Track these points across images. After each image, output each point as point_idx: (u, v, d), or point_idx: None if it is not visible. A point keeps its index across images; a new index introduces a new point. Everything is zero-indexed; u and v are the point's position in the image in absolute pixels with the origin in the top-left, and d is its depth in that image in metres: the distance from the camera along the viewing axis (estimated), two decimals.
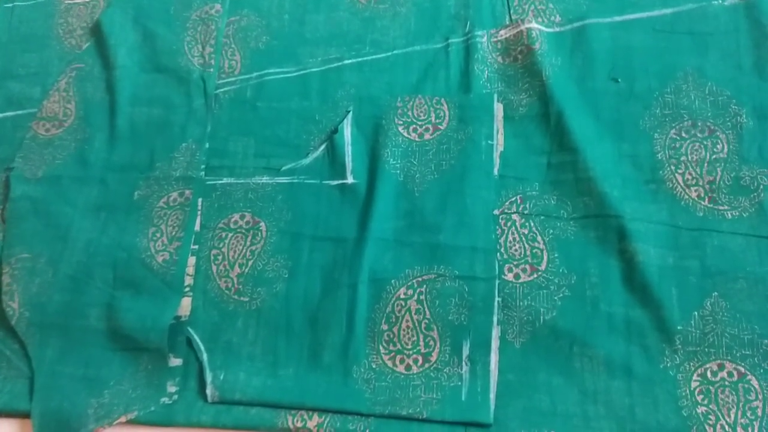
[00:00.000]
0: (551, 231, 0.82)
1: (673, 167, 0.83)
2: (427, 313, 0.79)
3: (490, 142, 0.87)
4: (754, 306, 0.75)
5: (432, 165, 0.87)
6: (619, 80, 0.88)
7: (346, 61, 0.96)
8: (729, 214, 0.80)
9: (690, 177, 0.82)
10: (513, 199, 0.84)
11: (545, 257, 0.81)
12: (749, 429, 0.70)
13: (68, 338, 0.82)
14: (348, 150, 0.89)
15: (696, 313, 0.76)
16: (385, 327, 0.79)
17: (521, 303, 0.79)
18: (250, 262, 0.85)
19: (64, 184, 0.91)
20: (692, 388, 0.73)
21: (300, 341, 0.80)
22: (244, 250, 0.86)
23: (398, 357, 0.78)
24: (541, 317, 0.78)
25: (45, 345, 0.82)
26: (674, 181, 0.82)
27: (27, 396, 0.80)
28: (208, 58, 0.97)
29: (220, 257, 0.86)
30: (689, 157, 0.83)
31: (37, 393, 0.80)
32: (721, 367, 0.73)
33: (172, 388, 0.79)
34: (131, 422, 0.78)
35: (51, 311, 0.84)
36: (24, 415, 0.80)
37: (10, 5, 1.06)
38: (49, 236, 0.88)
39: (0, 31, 1.04)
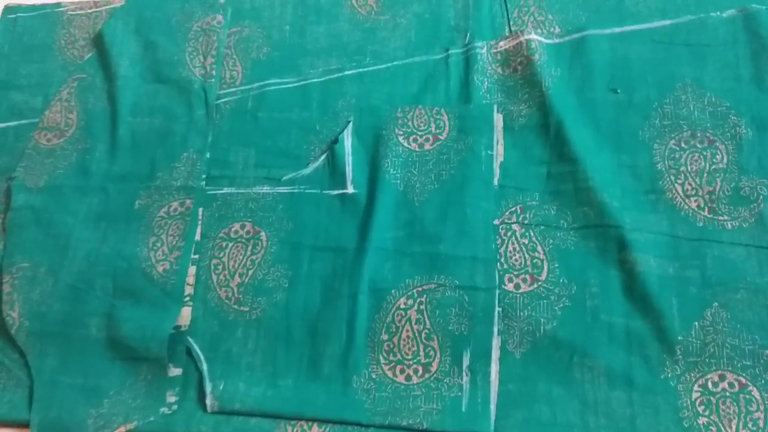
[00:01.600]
0: (551, 241, 0.82)
1: (672, 177, 0.83)
2: (428, 323, 0.79)
3: (489, 152, 0.87)
4: (755, 316, 0.75)
5: (432, 175, 0.87)
6: (619, 91, 0.89)
7: (347, 72, 0.96)
8: (729, 225, 0.80)
9: (690, 187, 0.82)
10: (513, 209, 0.85)
11: (545, 267, 0.81)
12: None
13: (68, 348, 0.82)
14: (348, 160, 0.89)
15: (696, 323, 0.76)
16: (385, 337, 0.79)
17: (521, 313, 0.79)
18: (250, 272, 0.85)
19: (66, 194, 0.91)
20: (693, 399, 0.73)
21: (300, 351, 0.80)
22: (244, 260, 0.86)
23: (398, 367, 0.78)
24: (542, 327, 0.78)
25: (45, 354, 0.82)
26: (674, 192, 0.82)
27: (26, 405, 0.80)
28: (209, 68, 0.98)
29: (220, 267, 0.86)
30: (689, 168, 0.83)
31: (37, 403, 0.80)
32: (722, 377, 0.73)
33: (171, 398, 0.79)
34: None
35: (51, 320, 0.84)
36: (23, 424, 0.79)
37: (13, 16, 1.07)
38: (49, 246, 0.88)
39: (3, 41, 1.05)
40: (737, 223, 0.80)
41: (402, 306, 0.80)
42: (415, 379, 0.77)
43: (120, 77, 0.97)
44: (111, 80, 0.98)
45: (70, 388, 0.80)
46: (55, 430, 0.78)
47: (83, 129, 0.96)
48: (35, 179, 0.93)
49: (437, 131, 0.90)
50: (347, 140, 0.90)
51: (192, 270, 0.85)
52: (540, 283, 0.80)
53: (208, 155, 0.92)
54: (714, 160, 0.83)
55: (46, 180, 0.93)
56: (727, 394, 0.72)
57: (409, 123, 0.90)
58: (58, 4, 1.07)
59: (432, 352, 0.78)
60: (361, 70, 0.96)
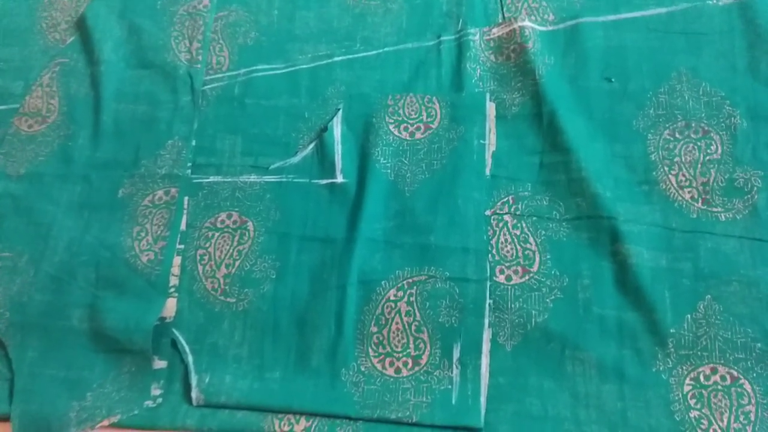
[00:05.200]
0: (543, 232, 0.81)
1: (666, 168, 0.82)
2: (418, 315, 0.78)
3: (482, 141, 0.86)
4: (747, 309, 0.75)
5: (423, 164, 0.86)
6: (613, 80, 0.88)
7: (337, 58, 0.95)
8: (723, 216, 0.79)
9: (683, 178, 0.82)
10: (505, 199, 0.83)
11: (537, 259, 0.80)
12: None
13: (50, 339, 0.81)
14: (338, 148, 0.88)
15: (689, 316, 0.75)
16: (374, 329, 0.78)
17: (513, 305, 0.78)
18: (237, 263, 0.83)
19: (47, 182, 0.89)
20: (685, 392, 0.72)
21: (287, 343, 0.79)
22: (230, 250, 0.84)
23: (388, 360, 0.77)
24: (533, 320, 0.77)
25: (26, 346, 0.81)
26: (668, 182, 0.82)
27: (7, 399, 0.78)
28: (195, 53, 0.96)
29: (206, 257, 0.84)
30: (683, 158, 0.82)
31: (18, 395, 0.78)
32: (714, 370, 0.73)
33: (156, 391, 0.78)
34: (114, 426, 0.76)
35: (32, 311, 0.82)
36: (4, 418, 0.78)
37: None
38: (30, 235, 0.86)
39: None
40: (731, 215, 0.79)
41: (392, 298, 0.79)
42: (404, 372, 0.76)
43: (103, 62, 0.95)
44: (94, 65, 0.96)
45: (52, 381, 0.78)
46: (36, 423, 0.76)
47: (65, 115, 0.94)
48: (16, 167, 0.91)
49: (428, 120, 0.88)
50: (337, 128, 0.89)
51: (177, 260, 0.84)
52: (531, 274, 0.79)
53: (193, 143, 0.90)
54: (708, 150, 0.82)
55: (27, 167, 0.91)
56: (719, 387, 0.72)
57: (400, 111, 0.89)
58: None
59: (422, 345, 0.77)
60: (351, 56, 0.95)
